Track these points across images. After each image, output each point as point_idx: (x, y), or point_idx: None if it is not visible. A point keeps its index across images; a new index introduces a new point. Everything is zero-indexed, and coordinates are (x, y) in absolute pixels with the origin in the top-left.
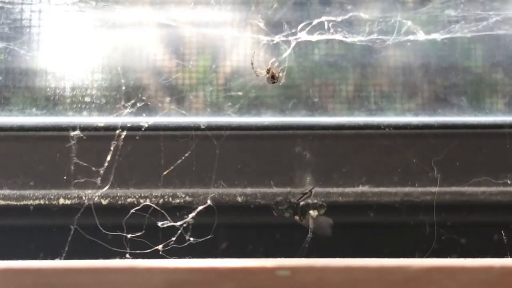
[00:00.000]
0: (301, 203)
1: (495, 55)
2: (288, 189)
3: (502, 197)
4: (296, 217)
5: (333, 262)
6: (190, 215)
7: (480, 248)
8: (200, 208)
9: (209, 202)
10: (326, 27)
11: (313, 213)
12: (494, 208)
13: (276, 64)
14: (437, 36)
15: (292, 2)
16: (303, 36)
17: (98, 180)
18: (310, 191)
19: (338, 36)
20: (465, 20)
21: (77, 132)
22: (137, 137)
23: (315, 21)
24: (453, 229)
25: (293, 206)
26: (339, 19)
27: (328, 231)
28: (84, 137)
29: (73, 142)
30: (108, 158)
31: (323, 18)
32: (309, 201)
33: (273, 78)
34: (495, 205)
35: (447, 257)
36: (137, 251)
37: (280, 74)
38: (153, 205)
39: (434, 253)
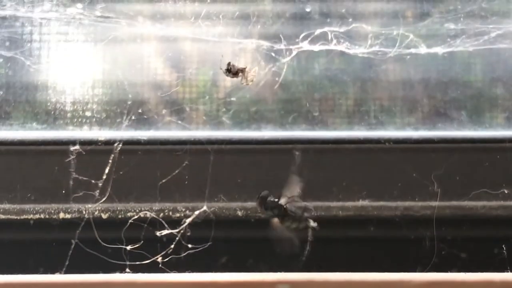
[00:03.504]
0: (286, 205)
1: (495, 69)
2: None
3: (503, 211)
4: (275, 220)
5: (333, 276)
6: (189, 229)
7: (480, 262)
8: (200, 221)
9: (208, 216)
10: (329, 37)
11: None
12: (494, 222)
13: (274, 69)
14: (439, 49)
15: (292, 15)
16: (305, 45)
17: (97, 193)
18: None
19: (341, 47)
20: (466, 34)
21: (77, 147)
22: (138, 151)
23: (318, 31)
24: (453, 244)
25: (279, 208)
26: (342, 30)
27: (291, 247)
28: (84, 152)
29: (72, 156)
30: (107, 171)
31: (326, 29)
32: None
33: (229, 71)
34: (495, 219)
35: (447, 272)
36: (137, 262)
37: (239, 69)
38: (151, 217)
39: (434, 267)
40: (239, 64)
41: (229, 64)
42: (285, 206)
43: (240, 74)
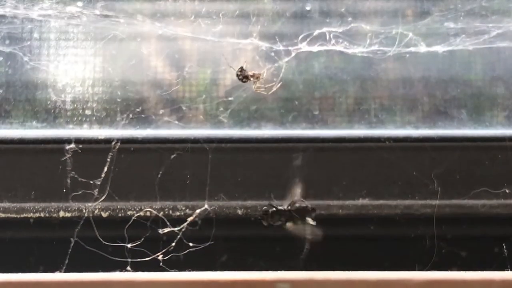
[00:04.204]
0: (291, 208)
1: (495, 68)
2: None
3: (503, 209)
4: (289, 224)
5: (333, 275)
6: (189, 227)
7: (480, 261)
8: (200, 220)
9: (209, 214)
10: (327, 37)
11: (310, 220)
12: (494, 221)
13: (273, 69)
14: (439, 48)
15: (292, 14)
16: (303, 47)
17: (96, 192)
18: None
19: (339, 47)
20: (466, 33)
21: (75, 145)
22: (136, 150)
23: (316, 32)
24: (453, 242)
25: (285, 214)
26: (340, 30)
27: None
28: (83, 150)
29: (68, 155)
30: (105, 170)
31: (324, 29)
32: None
33: (245, 77)
34: (495, 218)
35: (447, 270)
36: (138, 259)
37: (254, 75)
38: (152, 217)
39: (434, 266)
40: (253, 69)
41: (241, 69)
42: (289, 209)
43: (251, 79)
